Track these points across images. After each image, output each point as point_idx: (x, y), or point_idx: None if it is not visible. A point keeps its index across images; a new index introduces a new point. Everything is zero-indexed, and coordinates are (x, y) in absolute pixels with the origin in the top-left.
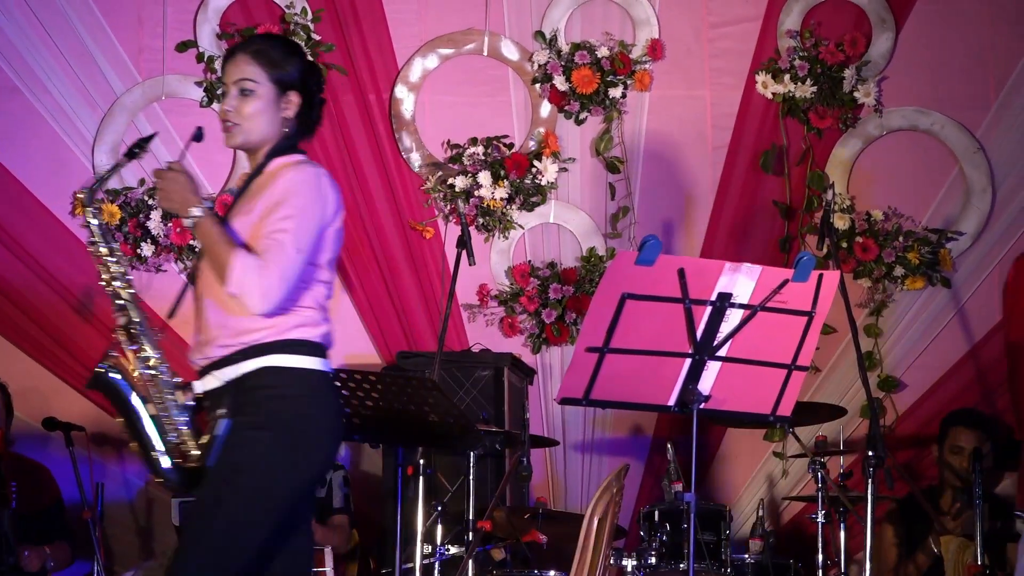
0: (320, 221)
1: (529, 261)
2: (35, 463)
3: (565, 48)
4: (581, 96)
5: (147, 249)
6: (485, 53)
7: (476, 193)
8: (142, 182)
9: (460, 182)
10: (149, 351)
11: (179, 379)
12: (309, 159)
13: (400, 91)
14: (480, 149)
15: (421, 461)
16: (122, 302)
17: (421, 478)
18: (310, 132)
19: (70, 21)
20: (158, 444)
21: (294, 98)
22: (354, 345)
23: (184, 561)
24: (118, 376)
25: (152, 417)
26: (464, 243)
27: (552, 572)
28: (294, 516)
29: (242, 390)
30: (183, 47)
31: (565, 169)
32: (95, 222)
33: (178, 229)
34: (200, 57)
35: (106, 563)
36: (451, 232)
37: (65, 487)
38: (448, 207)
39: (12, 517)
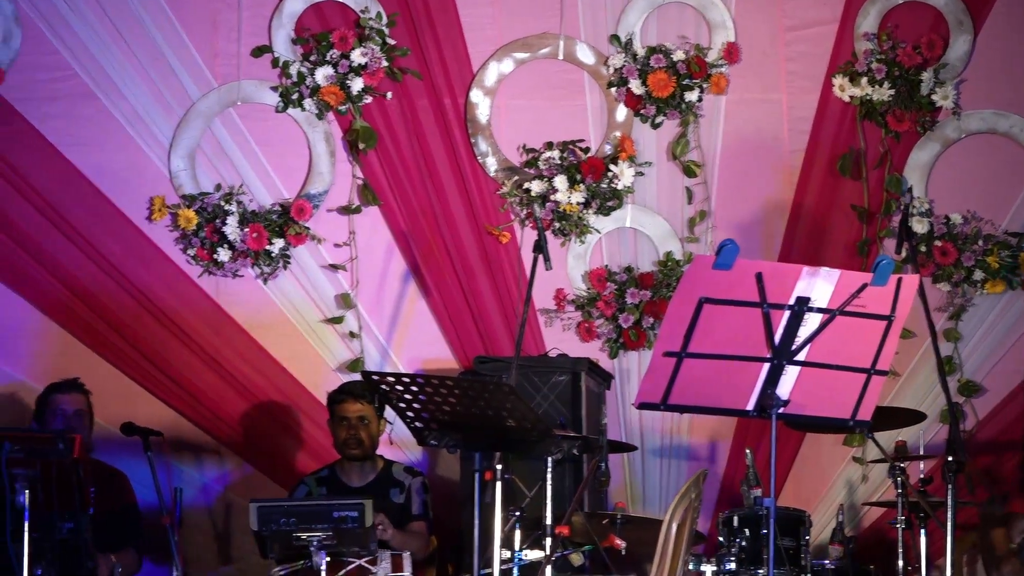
0: None
1: (606, 265)
2: (112, 468)
3: (641, 52)
4: (657, 100)
5: (223, 254)
6: (560, 57)
7: (552, 197)
8: (218, 187)
9: (536, 186)
10: None
11: None
12: None
13: (475, 95)
14: (556, 153)
15: (499, 466)
16: None
17: (499, 483)
18: None
19: (145, 26)
20: None
21: None
22: (431, 350)
23: None
24: None
25: None
26: (540, 248)
27: None
28: None
29: None
30: (258, 52)
31: (641, 173)
32: None
33: (254, 235)
34: (275, 62)
35: (184, 568)
36: (527, 236)
37: (143, 492)
38: (524, 212)
39: (91, 521)
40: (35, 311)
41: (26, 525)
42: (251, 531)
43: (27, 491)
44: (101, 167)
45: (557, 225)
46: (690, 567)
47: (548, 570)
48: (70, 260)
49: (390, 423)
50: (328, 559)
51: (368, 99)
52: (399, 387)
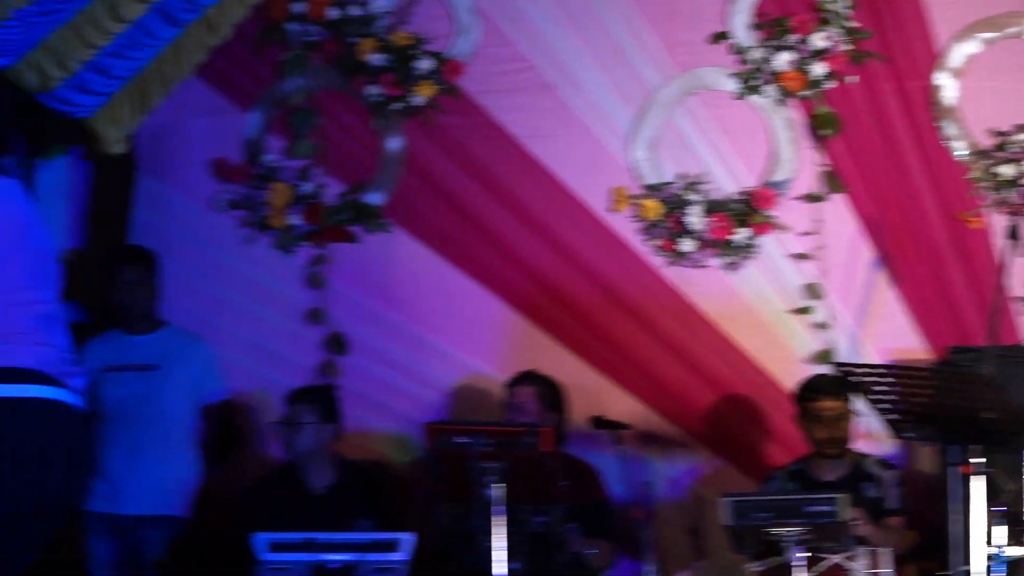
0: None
1: None
2: (582, 462)
3: None
4: None
5: (687, 244)
6: None
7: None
8: (680, 176)
9: (1007, 170)
10: None
11: None
12: None
13: (940, 77)
14: None
15: (978, 460)
16: None
17: (978, 478)
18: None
19: (603, 16)
20: None
21: None
22: (902, 340)
23: None
24: None
25: None
26: (1014, 233)
27: None
28: None
29: None
30: (717, 39)
31: None
32: None
33: (718, 224)
34: (734, 48)
35: (658, 563)
36: (999, 222)
37: (614, 486)
38: (995, 196)
39: (562, 515)
40: (502, 304)
41: (499, 519)
42: (724, 526)
43: (498, 484)
44: (562, 158)
45: None
46: None
47: None
48: (535, 253)
49: (858, 415)
50: (803, 555)
51: (830, 84)
52: (872, 378)
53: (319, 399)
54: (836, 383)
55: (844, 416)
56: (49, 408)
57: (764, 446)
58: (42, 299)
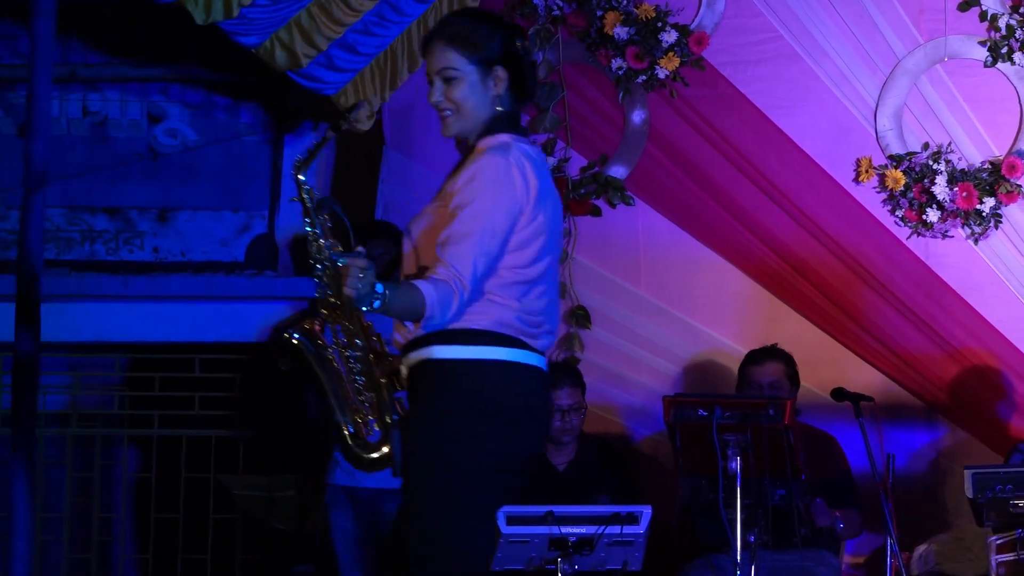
0: (503, 210)
1: None
2: (823, 433)
3: None
4: None
5: (933, 215)
6: None
7: None
8: (926, 146)
9: None
10: (350, 326)
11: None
12: (516, 140)
13: None
14: None
15: None
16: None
17: None
18: (525, 100)
19: None
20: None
21: (501, 73)
22: None
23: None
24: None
25: (332, 392)
26: None
27: None
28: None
29: (412, 383)
30: (965, 6)
31: None
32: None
33: (964, 194)
34: (983, 16)
35: (899, 536)
36: None
37: (855, 458)
38: None
39: (802, 487)
40: (745, 277)
41: (739, 491)
42: (966, 498)
43: (739, 457)
44: (806, 129)
45: None
46: None
47: None
48: (778, 224)
49: None
50: None
51: None
52: None
53: (578, 379)
54: None
55: None
56: (522, 369)
57: (1008, 418)
58: (526, 263)
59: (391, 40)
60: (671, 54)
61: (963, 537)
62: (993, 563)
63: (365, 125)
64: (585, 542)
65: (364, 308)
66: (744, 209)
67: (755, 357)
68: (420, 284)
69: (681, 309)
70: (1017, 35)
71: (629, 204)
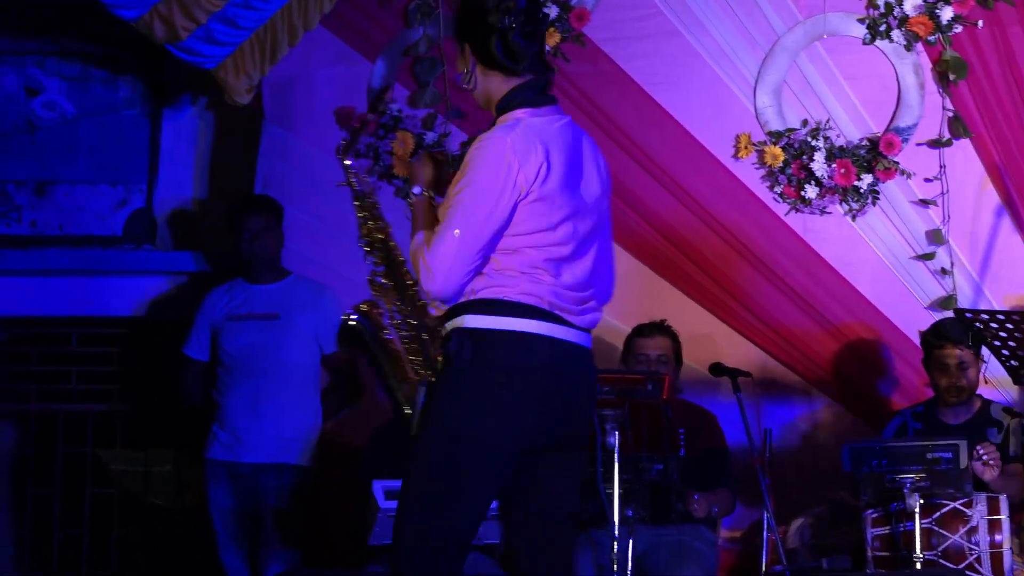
0: (500, 194)
1: None
2: (702, 409)
3: None
4: None
5: (811, 191)
6: None
7: None
8: (804, 123)
9: None
10: (405, 306)
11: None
12: (532, 114)
13: None
14: None
15: None
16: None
17: None
18: (505, 66)
19: None
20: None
21: (466, 49)
22: None
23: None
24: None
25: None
26: None
27: None
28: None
29: (443, 350)
30: None
31: None
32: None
33: (842, 170)
34: None
35: (775, 510)
36: None
37: (733, 434)
38: None
39: (680, 463)
40: (626, 254)
41: (616, 467)
42: (843, 472)
43: (617, 432)
44: (686, 105)
45: None
46: None
47: None
48: (658, 200)
49: (985, 361)
50: (921, 501)
51: (958, 28)
52: (994, 324)
53: None
54: (963, 331)
55: (969, 364)
56: (549, 343)
57: (886, 393)
58: (553, 242)
59: (271, 14)
60: (552, 29)
61: (839, 511)
62: (868, 537)
63: (244, 98)
64: None
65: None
66: (625, 186)
67: (644, 330)
68: (419, 239)
69: None
70: (895, 13)
71: None
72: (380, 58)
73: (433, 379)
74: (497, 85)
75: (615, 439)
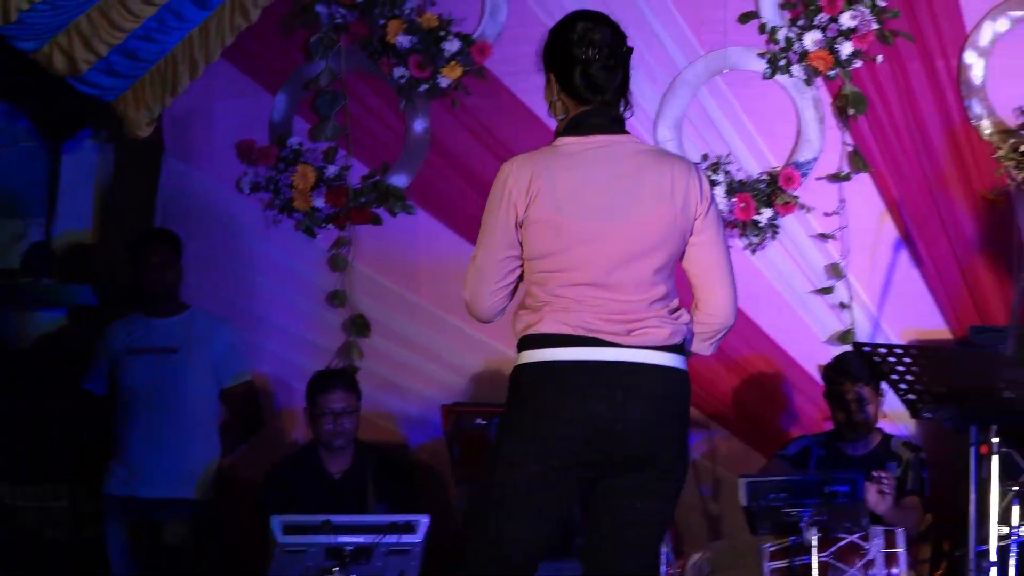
0: (499, 217)
1: None
2: None
3: None
4: None
5: None
6: None
7: None
8: (704, 157)
9: None
10: None
11: None
12: (562, 142)
13: (969, 56)
14: None
15: (995, 440)
16: None
17: (995, 457)
18: (585, 96)
19: None
20: None
21: (552, 79)
22: (923, 320)
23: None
24: None
25: None
26: None
27: None
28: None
29: None
30: (745, 18)
31: None
32: None
33: (742, 204)
34: (762, 28)
35: (674, 543)
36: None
37: None
38: (1021, 176)
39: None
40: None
41: None
42: (740, 506)
43: None
44: None
45: None
46: None
47: None
48: None
49: (882, 395)
50: (819, 535)
51: (858, 63)
52: (892, 358)
53: (352, 384)
54: (863, 367)
55: (868, 400)
56: (579, 367)
57: (785, 427)
58: (570, 266)
59: (172, 46)
60: (454, 63)
61: (737, 545)
62: (766, 570)
63: (144, 132)
64: (362, 551)
65: None
66: None
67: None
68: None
69: (461, 318)
70: (796, 48)
71: (410, 213)
72: (281, 91)
73: None
74: (559, 117)
75: None
